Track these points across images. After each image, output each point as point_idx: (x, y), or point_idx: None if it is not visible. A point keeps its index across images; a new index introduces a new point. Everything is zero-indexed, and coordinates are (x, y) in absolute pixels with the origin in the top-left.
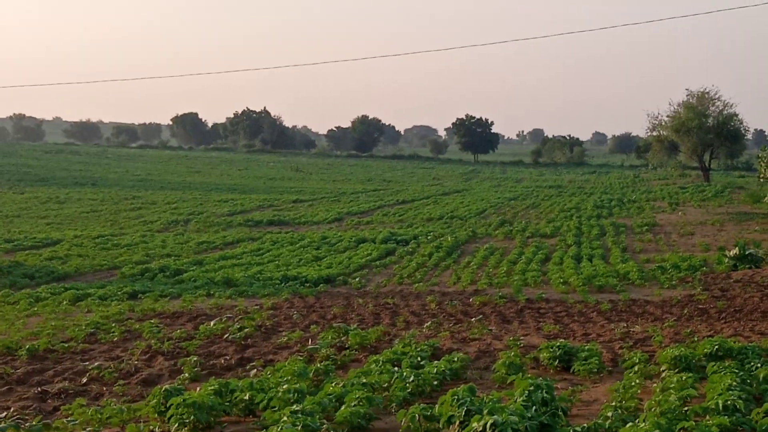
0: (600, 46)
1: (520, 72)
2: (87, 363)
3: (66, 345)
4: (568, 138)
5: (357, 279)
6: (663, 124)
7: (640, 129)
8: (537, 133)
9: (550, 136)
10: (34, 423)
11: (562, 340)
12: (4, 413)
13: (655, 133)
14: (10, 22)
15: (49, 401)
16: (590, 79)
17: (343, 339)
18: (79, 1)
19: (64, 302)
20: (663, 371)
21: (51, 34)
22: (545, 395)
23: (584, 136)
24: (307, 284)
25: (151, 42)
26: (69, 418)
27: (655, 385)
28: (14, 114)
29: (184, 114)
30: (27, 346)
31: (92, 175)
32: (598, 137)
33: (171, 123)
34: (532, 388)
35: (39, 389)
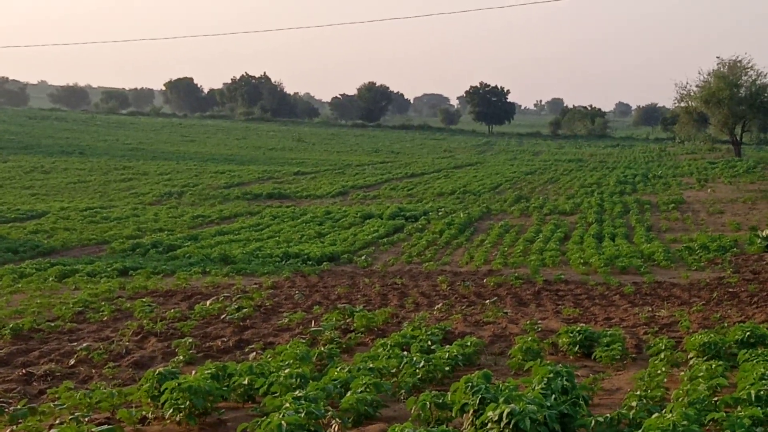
0: (625, 9)
1: (539, 38)
2: (75, 344)
3: (52, 324)
4: (589, 108)
5: (363, 257)
6: (692, 94)
7: (667, 100)
8: (556, 103)
9: (570, 106)
10: (18, 407)
11: (583, 325)
12: None
13: (683, 104)
14: None
15: (34, 384)
16: (614, 46)
17: (348, 321)
18: None
19: (50, 279)
20: (691, 359)
21: None
22: (565, 383)
23: (607, 106)
24: (310, 262)
25: (144, 1)
26: (56, 402)
27: (682, 373)
28: None
29: (178, 79)
30: (11, 325)
31: (80, 143)
32: (622, 108)
33: (164, 88)
34: (551, 375)
35: (24, 371)
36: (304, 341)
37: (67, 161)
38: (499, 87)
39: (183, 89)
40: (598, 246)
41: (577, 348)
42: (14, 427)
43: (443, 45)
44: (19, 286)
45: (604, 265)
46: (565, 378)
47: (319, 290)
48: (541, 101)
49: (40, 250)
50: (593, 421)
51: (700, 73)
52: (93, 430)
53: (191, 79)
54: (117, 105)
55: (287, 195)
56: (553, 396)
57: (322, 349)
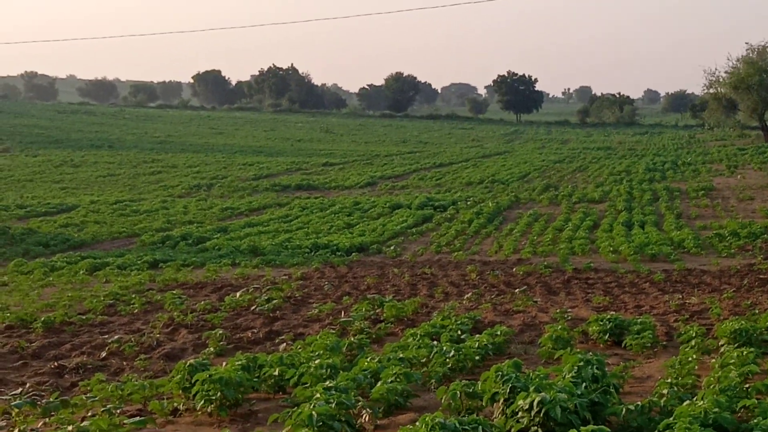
0: None
1: (566, 25)
2: (106, 336)
3: (83, 317)
4: (617, 96)
5: (392, 247)
6: (721, 80)
7: (695, 86)
8: (584, 91)
9: (599, 94)
10: (51, 399)
11: (613, 313)
12: (20, 389)
13: (712, 91)
14: None
15: (66, 376)
16: (642, 33)
17: (377, 311)
18: None
19: (81, 272)
20: (722, 346)
21: None
22: (596, 371)
23: (635, 94)
24: (339, 253)
25: None
26: (88, 395)
27: (713, 360)
28: (26, 72)
29: (206, 71)
30: (42, 319)
31: (109, 137)
32: (651, 95)
33: (192, 81)
34: (581, 363)
35: (56, 364)
36: (334, 332)
37: (97, 155)
38: (526, 75)
39: (211, 82)
40: (628, 234)
41: (607, 336)
42: (47, 419)
43: (471, 34)
44: (51, 279)
45: (634, 252)
46: (595, 366)
47: (348, 281)
48: (569, 89)
49: (70, 243)
50: (624, 409)
51: (729, 59)
52: (125, 421)
53: (219, 72)
54: (145, 98)
55: (316, 186)
56: (584, 384)
57: (352, 339)
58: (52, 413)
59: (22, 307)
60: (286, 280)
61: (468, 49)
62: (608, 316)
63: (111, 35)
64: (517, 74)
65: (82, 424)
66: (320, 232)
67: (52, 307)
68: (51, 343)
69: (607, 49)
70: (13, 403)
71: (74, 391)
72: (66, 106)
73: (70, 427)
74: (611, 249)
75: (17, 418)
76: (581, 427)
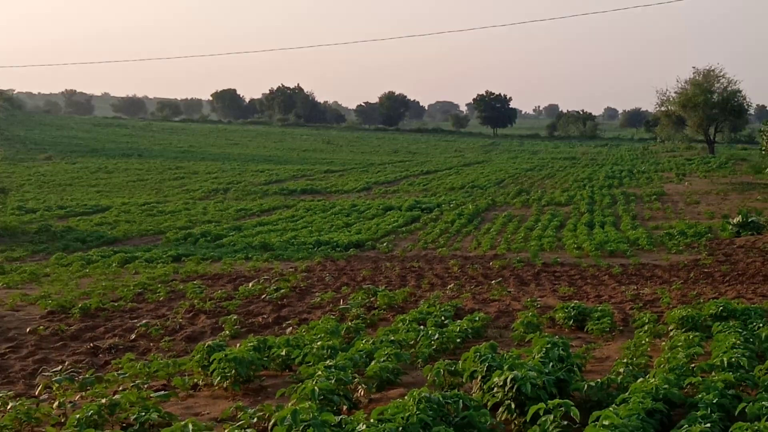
0: (612, 25)
1: (537, 50)
2: (135, 320)
3: (116, 304)
4: (581, 113)
5: (384, 244)
6: (671, 99)
7: (649, 104)
8: (552, 109)
9: (565, 111)
10: (87, 375)
11: (577, 302)
12: (60, 366)
13: (663, 109)
14: (60, 3)
15: (100, 356)
16: (603, 57)
17: (372, 299)
18: None
19: (114, 264)
20: (671, 330)
21: (102, 14)
22: (561, 352)
23: (597, 111)
24: (338, 249)
25: (193, 22)
26: (119, 371)
27: (663, 343)
28: (66, 90)
29: (224, 90)
30: (80, 305)
31: (138, 147)
32: (610, 112)
33: (211, 98)
34: (549, 345)
35: (91, 345)
36: (333, 317)
37: (128, 162)
38: (502, 95)
39: (227, 99)
40: (590, 233)
41: (571, 322)
42: (83, 393)
43: (454, 58)
44: (87, 271)
45: (595, 249)
46: (561, 348)
47: (346, 273)
48: (539, 107)
49: (104, 239)
50: (586, 386)
51: (678, 81)
52: (151, 395)
53: (234, 90)
54: (170, 113)
55: (318, 190)
56: (551, 364)
57: (350, 324)
58: (88, 388)
59: (62, 295)
60: (292, 272)
61: (451, 71)
62: (572, 305)
63: (141, 58)
64: (494, 93)
65: (114, 397)
66: (322, 231)
67: (89, 295)
68: (87, 326)
69: (572, 72)
70: (54, 379)
71: (107, 369)
72: (101, 119)
73: (103, 400)
74: (575, 246)
75: (58, 392)
76: (549, 401)
